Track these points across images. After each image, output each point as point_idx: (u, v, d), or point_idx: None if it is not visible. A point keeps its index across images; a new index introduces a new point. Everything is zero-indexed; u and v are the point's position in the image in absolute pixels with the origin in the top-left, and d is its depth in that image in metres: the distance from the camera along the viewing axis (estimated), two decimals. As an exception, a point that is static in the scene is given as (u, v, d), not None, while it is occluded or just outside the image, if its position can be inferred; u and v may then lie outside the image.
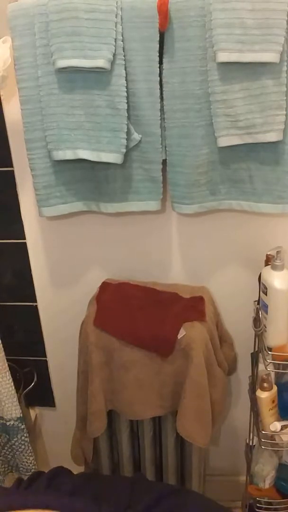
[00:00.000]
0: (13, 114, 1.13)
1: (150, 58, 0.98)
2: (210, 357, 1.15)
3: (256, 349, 1.19)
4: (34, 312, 1.40)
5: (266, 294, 1.06)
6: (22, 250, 1.31)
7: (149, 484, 0.92)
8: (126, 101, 1.00)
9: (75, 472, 0.88)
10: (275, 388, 1.11)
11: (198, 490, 1.35)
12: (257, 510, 1.24)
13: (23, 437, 1.32)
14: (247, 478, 1.32)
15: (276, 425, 1.10)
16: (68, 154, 1.05)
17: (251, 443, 1.29)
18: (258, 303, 1.13)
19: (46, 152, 1.07)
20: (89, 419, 1.20)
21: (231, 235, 1.23)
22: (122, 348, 1.14)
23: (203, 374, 1.12)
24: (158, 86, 1.01)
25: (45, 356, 1.46)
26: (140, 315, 1.15)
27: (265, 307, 1.07)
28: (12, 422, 1.29)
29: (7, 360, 1.25)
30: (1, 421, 1.31)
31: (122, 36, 0.96)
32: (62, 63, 0.96)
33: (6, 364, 1.24)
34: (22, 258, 1.33)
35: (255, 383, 1.19)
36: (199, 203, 1.11)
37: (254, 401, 1.17)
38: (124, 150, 1.04)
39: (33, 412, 1.54)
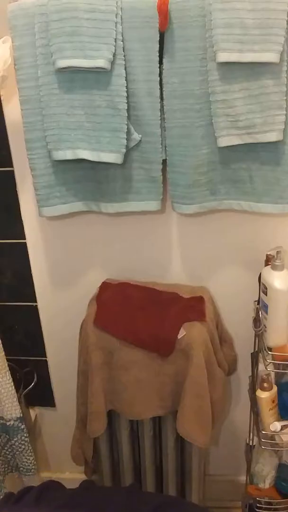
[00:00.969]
0: (13, 114, 1.13)
1: (150, 58, 0.98)
2: (210, 357, 1.15)
3: (256, 349, 1.19)
4: (34, 312, 1.40)
5: (266, 294, 1.06)
6: (22, 250, 1.31)
7: (144, 495, 0.91)
8: (126, 101, 1.00)
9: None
10: (275, 388, 1.11)
11: (198, 490, 1.35)
12: (257, 510, 1.24)
13: (23, 437, 1.32)
14: (247, 478, 1.31)
15: (276, 425, 1.10)
16: (68, 154, 1.05)
17: (251, 443, 1.29)
18: (258, 303, 1.13)
19: (46, 152, 1.07)
20: (89, 419, 1.20)
21: (231, 235, 1.23)
22: (122, 348, 1.14)
23: (203, 374, 1.12)
24: (158, 86, 1.01)
25: (45, 356, 1.46)
26: (140, 315, 1.15)
27: (265, 307, 1.07)
28: (12, 422, 1.29)
29: (7, 360, 1.25)
30: (1, 421, 1.31)
31: (122, 36, 0.96)
32: (62, 63, 0.96)
33: (6, 364, 1.24)
34: (22, 258, 1.33)
35: (255, 383, 1.19)
36: (199, 203, 1.11)
37: (254, 401, 1.17)
38: (124, 150, 1.04)
39: (33, 412, 1.54)
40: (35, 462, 1.37)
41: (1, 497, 0.85)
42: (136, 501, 0.80)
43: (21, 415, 1.30)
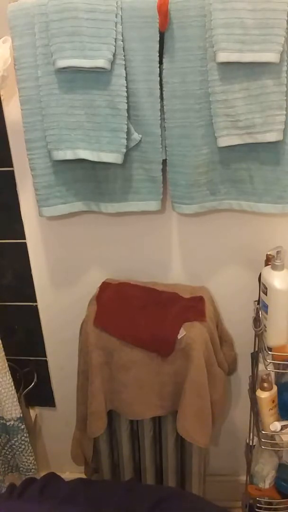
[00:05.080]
0: (13, 114, 1.13)
1: (150, 58, 0.98)
2: (210, 357, 1.15)
3: (256, 349, 1.19)
4: (34, 312, 1.40)
5: (266, 294, 1.06)
6: (22, 250, 1.31)
7: (145, 488, 0.90)
8: (126, 101, 1.00)
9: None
10: (275, 388, 1.11)
11: (198, 490, 1.35)
12: (257, 510, 1.24)
13: (23, 437, 1.32)
14: (247, 478, 1.31)
15: (276, 425, 1.10)
16: (68, 154, 1.05)
17: (251, 443, 1.29)
18: (258, 303, 1.13)
19: (46, 152, 1.07)
20: (89, 419, 1.20)
21: (231, 235, 1.23)
22: (122, 348, 1.14)
23: (203, 374, 1.12)
24: (158, 86, 1.01)
25: (45, 356, 1.46)
26: (140, 315, 1.15)
27: (265, 307, 1.07)
28: (12, 422, 1.29)
29: (7, 360, 1.25)
30: (1, 421, 1.31)
31: (122, 36, 0.96)
32: (62, 63, 0.96)
33: (6, 364, 1.24)
34: (22, 258, 1.33)
35: (255, 383, 1.19)
36: (199, 203, 1.11)
37: (254, 401, 1.17)
38: (124, 150, 1.04)
39: (33, 412, 1.54)
40: (35, 462, 1.37)
41: (3, 489, 0.84)
42: (137, 495, 0.79)
43: (21, 415, 1.30)
